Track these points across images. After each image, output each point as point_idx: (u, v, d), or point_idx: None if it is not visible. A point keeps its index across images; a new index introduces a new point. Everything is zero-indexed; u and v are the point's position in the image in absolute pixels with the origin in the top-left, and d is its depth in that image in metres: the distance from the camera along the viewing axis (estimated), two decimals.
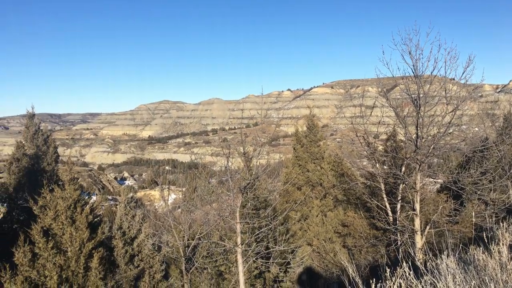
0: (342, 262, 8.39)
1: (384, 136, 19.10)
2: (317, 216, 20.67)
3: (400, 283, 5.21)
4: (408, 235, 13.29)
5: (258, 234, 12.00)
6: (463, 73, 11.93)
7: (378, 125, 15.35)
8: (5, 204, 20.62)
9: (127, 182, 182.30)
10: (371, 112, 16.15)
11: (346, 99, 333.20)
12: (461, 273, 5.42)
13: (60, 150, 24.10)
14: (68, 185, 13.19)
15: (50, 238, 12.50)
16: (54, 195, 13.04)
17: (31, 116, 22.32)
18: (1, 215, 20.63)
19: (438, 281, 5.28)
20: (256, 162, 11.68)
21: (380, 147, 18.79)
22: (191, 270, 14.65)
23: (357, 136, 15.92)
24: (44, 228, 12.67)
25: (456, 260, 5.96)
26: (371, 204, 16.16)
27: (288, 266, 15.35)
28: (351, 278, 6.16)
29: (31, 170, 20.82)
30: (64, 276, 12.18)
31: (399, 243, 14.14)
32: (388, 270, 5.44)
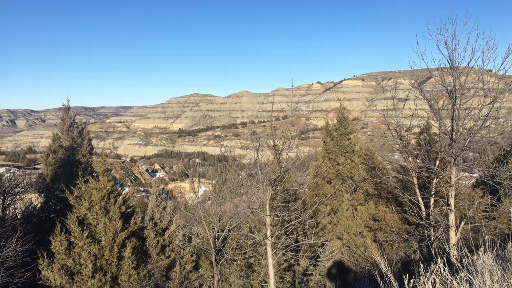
0: (374, 257, 8.28)
1: (417, 130, 18.64)
2: (347, 210, 20.47)
3: (434, 279, 5.09)
4: (442, 231, 12.97)
5: (287, 227, 11.99)
6: (501, 64, 11.48)
7: (411, 117, 14.99)
8: (43, 194, 21.36)
9: (158, 174, 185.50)
10: (404, 105, 15.77)
11: (378, 92, 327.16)
12: (498, 270, 5.25)
13: (94, 142, 24.75)
14: (102, 176, 13.53)
15: (85, 227, 12.90)
16: (89, 186, 13.42)
17: (67, 109, 22.95)
18: (39, 205, 21.39)
19: (474, 278, 5.13)
20: (286, 155, 11.63)
21: (413, 141, 18.38)
22: (221, 262, 14.81)
23: (389, 129, 15.60)
24: (80, 217, 13.08)
25: (494, 257, 5.76)
26: (403, 198, 15.85)
27: (318, 260, 15.29)
28: (383, 273, 6.06)
29: (67, 162, 21.47)
30: (98, 264, 12.55)
31: (432, 239, 13.83)
32: (421, 265, 5.32)
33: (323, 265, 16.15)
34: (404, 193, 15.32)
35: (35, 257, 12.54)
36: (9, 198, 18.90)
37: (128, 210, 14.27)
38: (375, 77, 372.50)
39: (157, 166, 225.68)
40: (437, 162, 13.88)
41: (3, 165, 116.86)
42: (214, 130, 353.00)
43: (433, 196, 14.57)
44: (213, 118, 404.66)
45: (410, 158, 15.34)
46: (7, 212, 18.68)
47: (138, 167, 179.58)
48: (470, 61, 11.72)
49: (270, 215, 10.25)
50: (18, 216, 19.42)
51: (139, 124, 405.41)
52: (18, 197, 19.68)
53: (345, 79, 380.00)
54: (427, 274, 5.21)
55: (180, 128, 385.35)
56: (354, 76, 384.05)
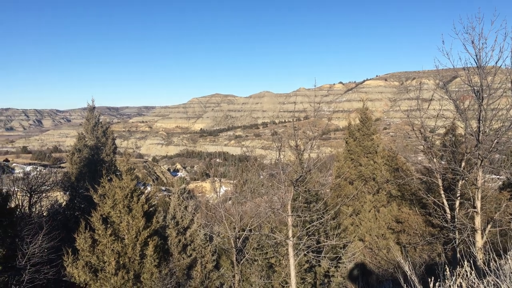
0: (397, 259, 8.15)
1: (442, 130, 18.29)
2: (369, 211, 20.23)
3: (460, 283, 4.98)
4: (468, 234, 12.69)
5: (309, 227, 11.93)
6: None
7: (436, 118, 14.72)
8: (68, 192, 21.81)
9: (179, 174, 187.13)
10: (428, 105, 15.48)
11: (401, 92, 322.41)
12: None
13: (117, 141, 25.13)
14: (126, 175, 13.73)
15: (108, 225, 13.12)
16: (113, 185, 13.64)
17: (92, 109, 23.36)
18: (64, 203, 21.86)
19: (502, 282, 5.00)
20: (308, 155, 11.58)
21: (438, 142, 18.05)
22: (242, 262, 14.83)
23: (413, 129, 15.35)
24: (103, 215, 13.31)
25: None
26: (427, 200, 15.58)
27: (340, 261, 15.17)
28: (407, 276, 5.97)
29: (91, 161, 21.87)
30: (121, 262, 12.74)
31: (457, 242, 13.55)
32: (447, 269, 5.22)
33: (345, 267, 16.01)
34: (429, 195, 15.05)
35: (60, 254, 12.81)
36: (35, 196, 19.36)
37: (151, 208, 14.44)
38: (398, 77, 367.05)
39: (178, 166, 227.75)
40: (463, 164, 13.60)
41: (30, 164, 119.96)
42: (235, 130, 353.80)
43: (459, 198, 14.27)
44: (234, 118, 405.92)
45: (434, 160, 15.06)
46: (34, 210, 19.14)
47: (160, 166, 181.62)
48: (498, 60, 11.44)
49: (292, 216, 10.22)
50: (44, 214, 19.88)
51: (161, 124, 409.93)
52: (44, 195, 20.15)
53: (367, 79, 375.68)
54: (453, 278, 5.10)
55: (201, 128, 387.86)
56: (376, 76, 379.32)
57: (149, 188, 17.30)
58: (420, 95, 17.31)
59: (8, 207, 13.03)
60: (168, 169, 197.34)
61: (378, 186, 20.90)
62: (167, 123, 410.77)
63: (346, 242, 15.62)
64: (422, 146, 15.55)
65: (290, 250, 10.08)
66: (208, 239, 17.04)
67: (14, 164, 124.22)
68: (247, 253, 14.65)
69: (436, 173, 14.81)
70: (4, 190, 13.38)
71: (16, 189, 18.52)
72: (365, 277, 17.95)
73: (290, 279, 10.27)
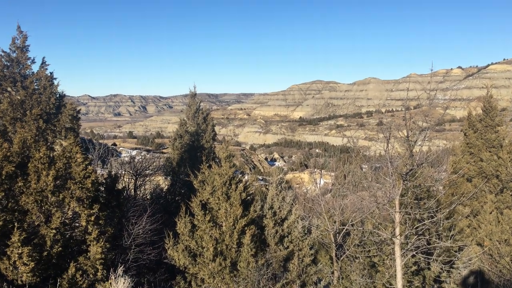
0: None
1: None
2: (490, 213, 18.66)
3: None
4: None
5: (418, 226, 11.34)
6: None
7: None
8: (169, 177, 23.29)
9: (276, 163, 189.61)
10: None
11: None
12: None
13: (216, 128, 26.17)
14: (224, 163, 14.25)
15: (207, 211, 13.77)
16: (212, 171, 14.26)
17: (193, 95, 24.56)
18: (166, 187, 23.40)
19: None
20: (420, 148, 10.97)
21: None
22: (342, 258, 14.63)
23: None
24: (202, 201, 13.99)
25: None
26: None
27: (453, 266, 14.22)
28: None
29: (192, 147, 23.06)
30: (219, 249, 13.32)
31: None
32: None
33: (459, 273, 14.98)
34: None
35: (162, 237, 13.78)
36: (140, 179, 21.02)
37: (248, 197, 14.83)
38: None
39: (276, 155, 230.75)
40: None
41: (135, 148, 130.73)
42: (336, 119, 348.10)
43: None
44: (336, 106, 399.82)
45: None
46: (138, 193, 20.80)
47: (257, 155, 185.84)
48: None
49: (400, 212, 9.79)
50: (148, 197, 21.50)
51: (260, 111, 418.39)
52: (147, 178, 21.79)
53: (492, 64, 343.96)
54: None
55: (300, 117, 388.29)
56: (504, 59, 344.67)
57: (246, 177, 17.78)
58: None
59: (116, 188, 14.29)
60: (265, 158, 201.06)
61: (502, 185, 19.17)
62: (266, 110, 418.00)
63: (462, 246, 14.58)
64: None
65: (397, 249, 9.67)
66: (306, 232, 17.06)
67: (121, 148, 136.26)
68: (347, 250, 14.40)
69: None
70: (112, 173, 14.70)
71: (123, 172, 20.24)
72: (483, 286, 16.67)
73: (396, 280, 9.88)
